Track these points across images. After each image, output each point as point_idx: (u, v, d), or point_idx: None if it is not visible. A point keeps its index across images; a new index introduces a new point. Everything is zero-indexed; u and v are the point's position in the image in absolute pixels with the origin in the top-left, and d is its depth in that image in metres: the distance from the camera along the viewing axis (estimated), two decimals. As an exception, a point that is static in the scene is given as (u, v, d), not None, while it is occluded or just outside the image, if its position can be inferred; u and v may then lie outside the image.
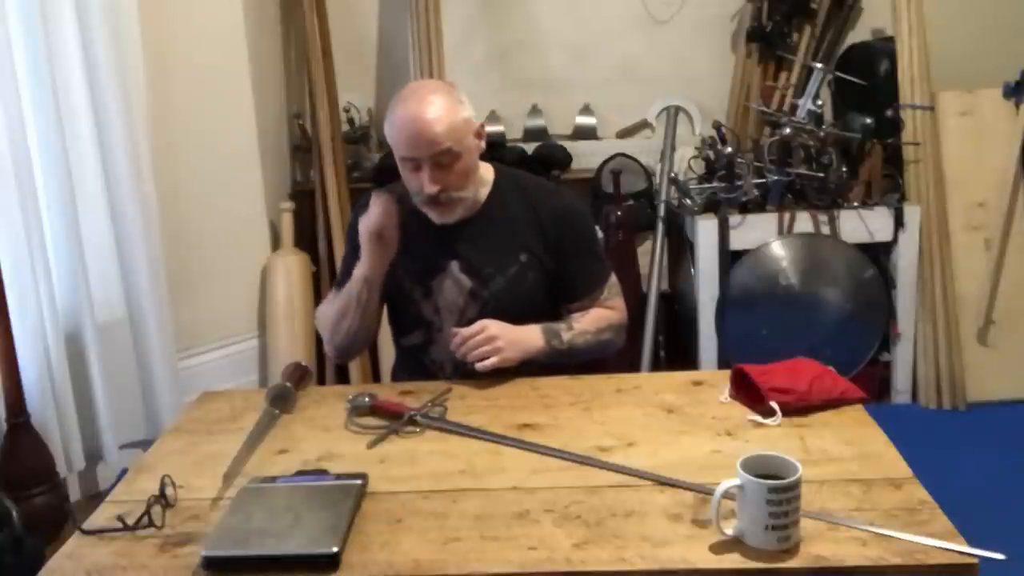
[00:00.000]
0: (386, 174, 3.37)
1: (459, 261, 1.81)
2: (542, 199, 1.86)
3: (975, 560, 1.10)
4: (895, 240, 3.16)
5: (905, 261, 3.17)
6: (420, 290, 1.82)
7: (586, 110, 3.64)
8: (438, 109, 1.69)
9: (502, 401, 1.63)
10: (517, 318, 1.76)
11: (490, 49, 3.57)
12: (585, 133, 3.62)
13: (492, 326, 1.70)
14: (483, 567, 1.13)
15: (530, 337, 1.74)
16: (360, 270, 1.76)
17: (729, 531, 1.14)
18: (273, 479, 1.33)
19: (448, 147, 1.68)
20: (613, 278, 1.91)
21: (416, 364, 1.86)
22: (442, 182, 1.70)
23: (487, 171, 1.86)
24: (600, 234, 3.06)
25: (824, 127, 3.11)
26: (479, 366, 1.68)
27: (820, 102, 3.18)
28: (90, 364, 2.59)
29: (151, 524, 1.24)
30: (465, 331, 1.70)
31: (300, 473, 1.36)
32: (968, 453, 2.91)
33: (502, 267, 1.81)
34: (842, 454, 1.37)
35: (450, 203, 1.74)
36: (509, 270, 1.81)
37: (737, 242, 3.12)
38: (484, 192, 1.84)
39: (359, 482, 1.30)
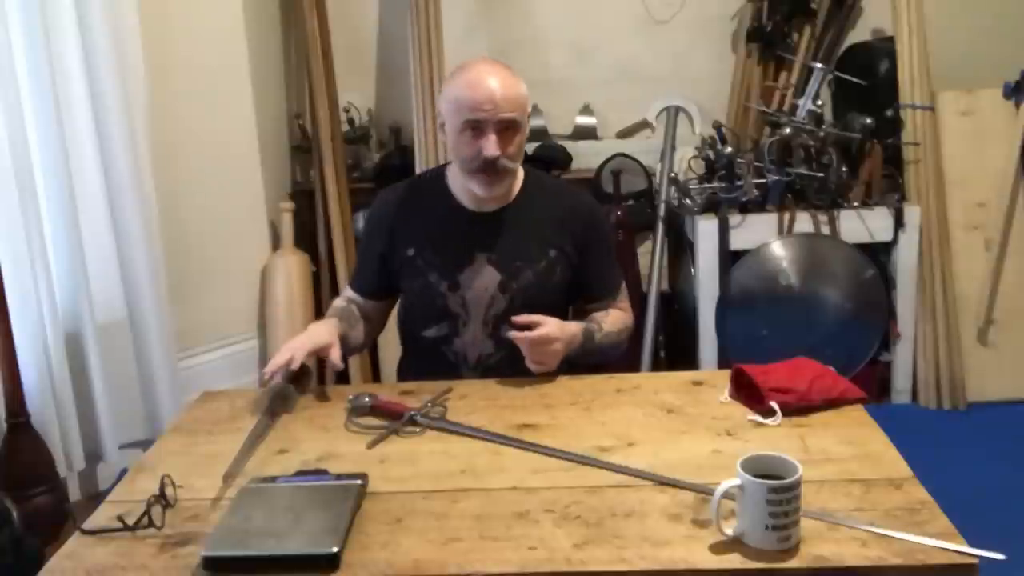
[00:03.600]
0: (386, 174, 3.39)
1: (488, 254, 1.82)
2: (570, 198, 1.91)
3: (975, 560, 1.10)
4: (895, 240, 3.16)
5: (905, 261, 3.17)
6: (447, 284, 1.82)
7: (586, 110, 3.64)
8: (508, 79, 1.73)
9: (502, 401, 1.63)
10: (542, 313, 1.77)
11: (490, 49, 3.57)
12: (585, 133, 3.62)
13: (555, 331, 1.68)
14: (483, 567, 1.13)
15: (574, 341, 1.76)
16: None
17: (729, 531, 1.14)
18: (273, 479, 1.33)
19: (514, 117, 1.72)
20: (623, 283, 1.96)
21: (436, 356, 1.86)
22: (502, 149, 1.72)
23: (519, 169, 1.88)
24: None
25: (824, 127, 3.11)
26: (536, 369, 1.68)
27: (820, 102, 3.18)
28: (90, 364, 2.59)
29: (151, 524, 1.24)
30: (533, 336, 1.67)
31: (300, 473, 1.36)
32: (968, 453, 2.91)
33: (532, 261, 1.82)
34: (842, 454, 1.37)
35: (503, 172, 1.75)
36: (538, 264, 1.83)
37: (737, 242, 3.12)
38: (516, 186, 1.86)
39: (359, 482, 1.30)
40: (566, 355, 1.75)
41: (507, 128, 1.72)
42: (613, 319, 1.87)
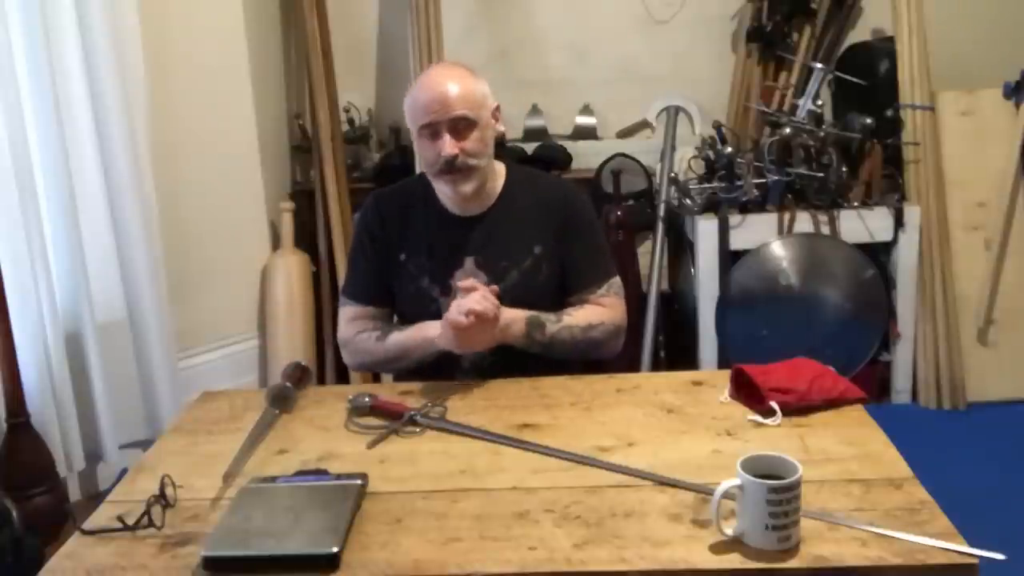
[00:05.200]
0: (386, 174, 3.39)
1: (474, 256, 1.82)
2: (550, 189, 1.90)
3: (975, 560, 1.10)
4: (895, 240, 3.16)
5: (905, 261, 3.17)
6: (439, 288, 1.83)
7: (586, 110, 3.64)
8: (457, 78, 1.75)
9: (502, 401, 1.63)
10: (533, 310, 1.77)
11: (490, 49, 3.57)
12: (585, 133, 3.62)
13: (480, 315, 1.66)
14: (483, 567, 1.13)
15: (511, 332, 1.74)
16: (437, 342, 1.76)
17: (729, 531, 1.14)
18: (273, 479, 1.33)
19: (465, 114, 1.73)
20: (616, 279, 1.89)
21: (431, 361, 1.85)
22: (459, 147, 1.73)
23: (499, 167, 1.88)
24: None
25: (824, 127, 3.11)
26: (450, 342, 1.71)
27: (820, 102, 3.18)
28: (90, 364, 2.59)
29: (151, 524, 1.24)
30: (460, 319, 1.66)
31: (300, 473, 1.36)
32: (968, 453, 2.91)
33: (516, 260, 1.82)
34: (842, 454, 1.37)
35: (466, 170, 1.75)
36: (523, 263, 1.82)
37: (737, 242, 3.12)
38: (498, 186, 1.86)
39: (359, 482, 1.30)
40: (519, 346, 1.75)
41: (461, 127, 1.73)
42: (584, 313, 1.82)
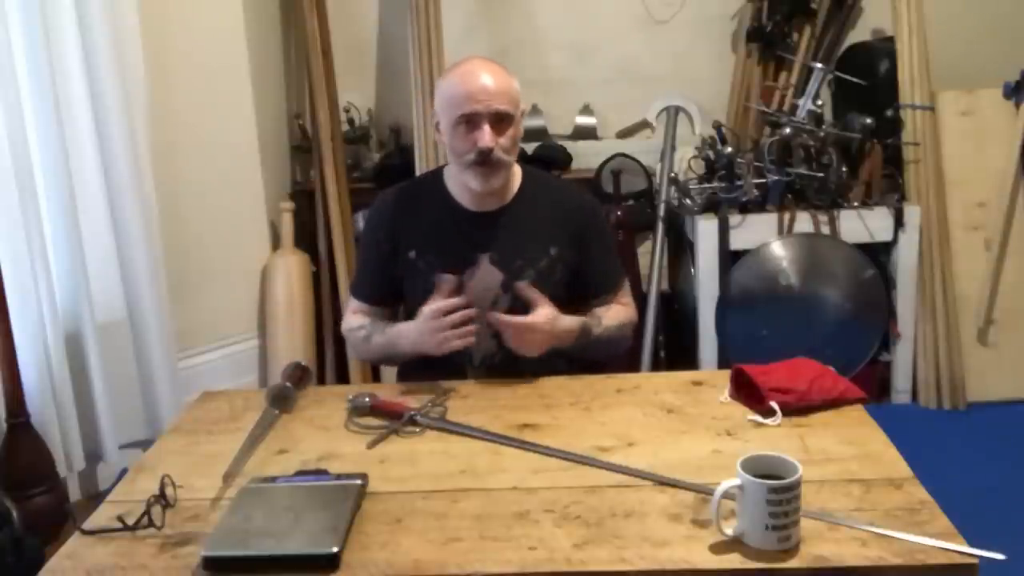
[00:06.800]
0: (386, 174, 3.39)
1: (490, 253, 1.82)
2: (568, 196, 1.92)
3: (975, 560, 1.10)
4: (895, 240, 3.16)
5: (905, 261, 3.17)
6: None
7: (586, 110, 3.64)
8: (500, 73, 1.77)
9: (502, 401, 1.63)
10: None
11: (490, 49, 3.57)
12: (585, 133, 3.62)
13: (541, 322, 1.70)
14: (483, 567, 1.13)
15: (568, 336, 1.76)
16: (411, 347, 1.77)
17: (729, 531, 1.14)
18: (273, 479, 1.33)
19: (507, 109, 1.74)
20: (626, 278, 1.97)
21: (441, 358, 1.84)
22: (496, 141, 1.73)
23: (516, 167, 1.88)
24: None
25: (824, 127, 3.11)
26: (516, 351, 1.71)
27: (820, 102, 3.18)
28: (90, 364, 2.59)
29: (151, 524, 1.24)
30: (517, 322, 1.69)
31: (300, 473, 1.36)
32: (968, 453, 2.91)
33: (533, 260, 1.83)
34: (842, 454, 1.37)
35: (498, 165, 1.75)
36: (540, 263, 1.83)
37: (737, 242, 3.12)
38: (515, 185, 1.87)
39: (359, 482, 1.30)
40: (565, 350, 1.76)
41: (501, 121, 1.74)
42: (613, 313, 1.87)
